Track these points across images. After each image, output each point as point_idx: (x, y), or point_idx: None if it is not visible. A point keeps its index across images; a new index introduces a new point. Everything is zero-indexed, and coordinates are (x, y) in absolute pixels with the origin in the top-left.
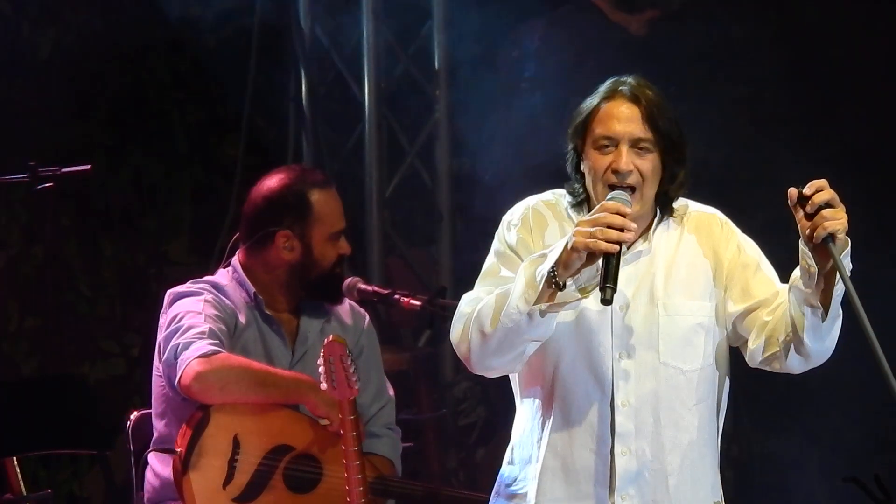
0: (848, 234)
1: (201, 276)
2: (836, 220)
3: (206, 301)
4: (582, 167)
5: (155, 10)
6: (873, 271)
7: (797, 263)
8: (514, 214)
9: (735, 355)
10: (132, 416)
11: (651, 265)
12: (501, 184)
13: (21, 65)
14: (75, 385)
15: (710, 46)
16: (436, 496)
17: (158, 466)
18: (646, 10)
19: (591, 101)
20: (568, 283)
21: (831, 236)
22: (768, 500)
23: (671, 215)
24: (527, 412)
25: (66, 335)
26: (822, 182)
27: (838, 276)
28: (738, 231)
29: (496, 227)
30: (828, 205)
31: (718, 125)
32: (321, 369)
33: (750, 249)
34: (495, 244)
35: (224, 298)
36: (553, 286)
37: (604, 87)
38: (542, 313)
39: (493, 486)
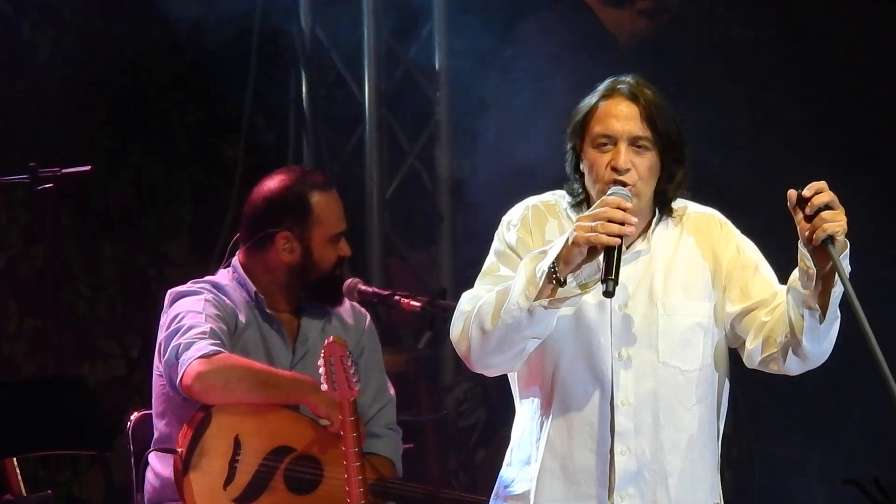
0: (847, 235)
1: (202, 277)
2: (836, 221)
3: (206, 300)
4: (581, 167)
5: (155, 10)
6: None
7: (796, 265)
8: (514, 215)
9: (734, 357)
10: (132, 417)
11: (650, 265)
12: (501, 185)
13: (21, 65)
14: (75, 386)
15: (711, 47)
16: (436, 498)
17: (158, 466)
18: (636, 2)
19: (590, 100)
20: (568, 280)
21: (830, 238)
22: (768, 502)
23: (670, 215)
24: (526, 413)
25: (66, 336)
26: (822, 184)
27: (837, 277)
28: (737, 231)
29: (496, 228)
30: (827, 207)
31: (718, 126)
32: (321, 370)
33: (749, 250)
34: (495, 244)
35: (224, 298)
36: (554, 282)
37: (602, 86)
38: (544, 309)
39: (492, 488)
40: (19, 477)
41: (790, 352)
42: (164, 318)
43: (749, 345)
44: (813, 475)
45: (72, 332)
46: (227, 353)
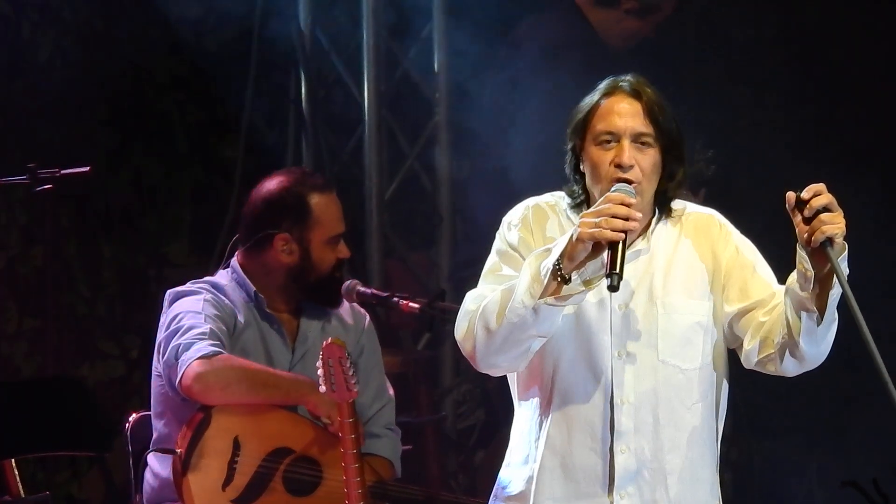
0: (846, 237)
1: (201, 278)
2: (834, 224)
3: (205, 301)
4: (581, 167)
5: (155, 11)
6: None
7: (795, 266)
8: (514, 215)
9: (733, 358)
10: (131, 418)
11: (650, 264)
12: (501, 186)
13: (21, 65)
14: (74, 386)
15: (711, 48)
16: (434, 500)
17: (157, 467)
18: (623, 2)
19: (591, 99)
20: (573, 278)
21: (829, 240)
22: None
23: (669, 215)
24: (525, 413)
25: (66, 336)
26: (820, 186)
27: (835, 280)
28: (735, 231)
29: (495, 229)
30: (826, 209)
31: (718, 126)
32: (320, 371)
33: (747, 250)
34: (497, 244)
35: (223, 298)
36: (558, 279)
37: (603, 85)
38: (549, 307)
39: (491, 489)
40: (17, 478)
41: (787, 353)
42: (164, 318)
43: (747, 345)
44: (812, 477)
45: (71, 333)
46: (226, 354)
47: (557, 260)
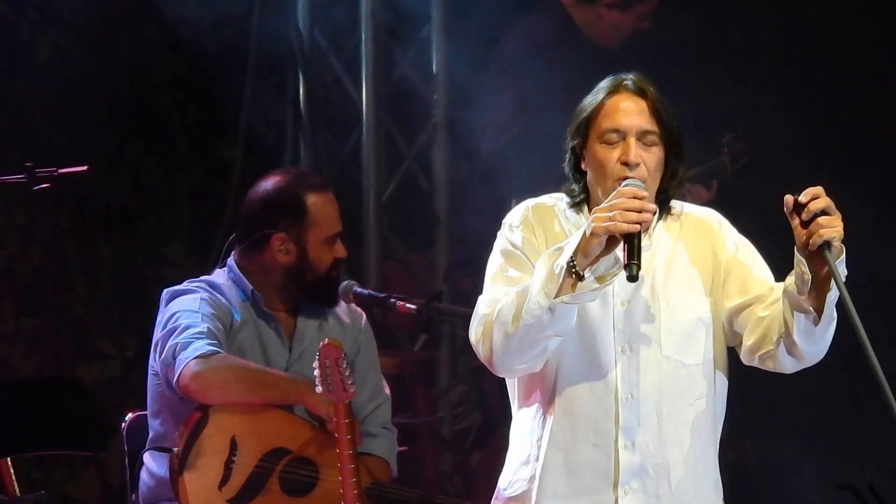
0: (844, 240)
1: (199, 277)
2: (832, 227)
3: (202, 299)
4: (583, 166)
5: (154, 11)
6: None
7: (792, 268)
8: (514, 216)
9: (731, 359)
10: (127, 418)
11: (651, 261)
12: (499, 187)
13: (20, 65)
14: (71, 386)
15: (709, 49)
16: (430, 503)
17: (153, 466)
18: None
19: (595, 98)
20: (586, 275)
21: (827, 243)
22: None
23: (669, 213)
24: (526, 413)
25: (63, 336)
26: (818, 189)
27: (832, 282)
28: (734, 230)
29: (493, 230)
30: (823, 212)
31: (717, 126)
32: (317, 372)
33: (746, 247)
34: (500, 246)
35: (220, 297)
36: (573, 276)
37: (605, 84)
38: (564, 305)
39: (487, 491)
40: (13, 477)
41: (785, 351)
42: (160, 317)
43: (745, 341)
44: (809, 480)
45: (69, 333)
46: (224, 353)
47: (571, 257)
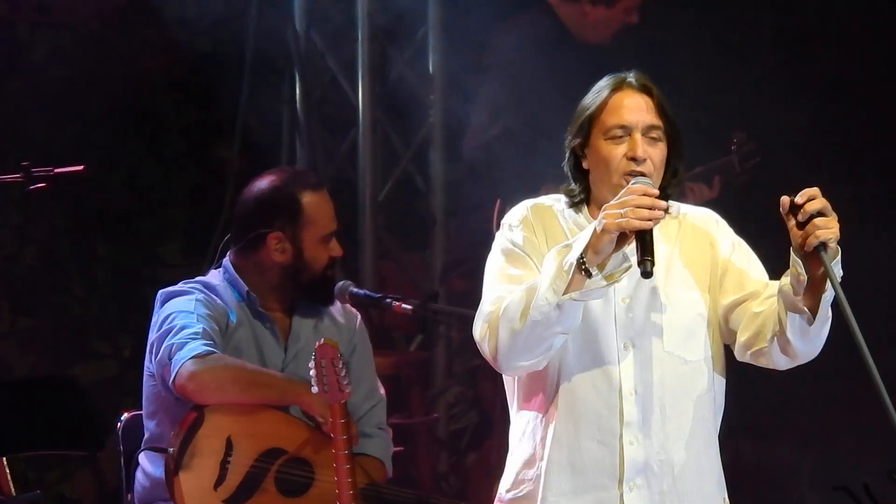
0: (840, 241)
1: (195, 278)
2: (828, 228)
3: (197, 300)
4: (584, 165)
5: (150, 11)
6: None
7: (788, 268)
8: (514, 216)
9: (727, 358)
10: (123, 417)
11: None
12: (494, 188)
13: (16, 65)
14: (67, 386)
15: (706, 49)
16: (426, 503)
17: (149, 467)
18: None
19: (598, 95)
20: (594, 272)
21: (823, 245)
22: None
23: (667, 212)
24: (527, 414)
25: (59, 336)
26: (815, 190)
27: (828, 282)
28: (731, 230)
29: (486, 230)
30: (820, 213)
31: (713, 127)
32: (312, 372)
33: (743, 246)
34: (500, 245)
35: (216, 298)
36: (583, 273)
37: (607, 82)
38: (573, 302)
39: (482, 492)
40: (9, 477)
41: (779, 349)
42: (155, 319)
43: (739, 337)
44: (804, 481)
45: (65, 333)
46: (219, 354)
47: (581, 254)
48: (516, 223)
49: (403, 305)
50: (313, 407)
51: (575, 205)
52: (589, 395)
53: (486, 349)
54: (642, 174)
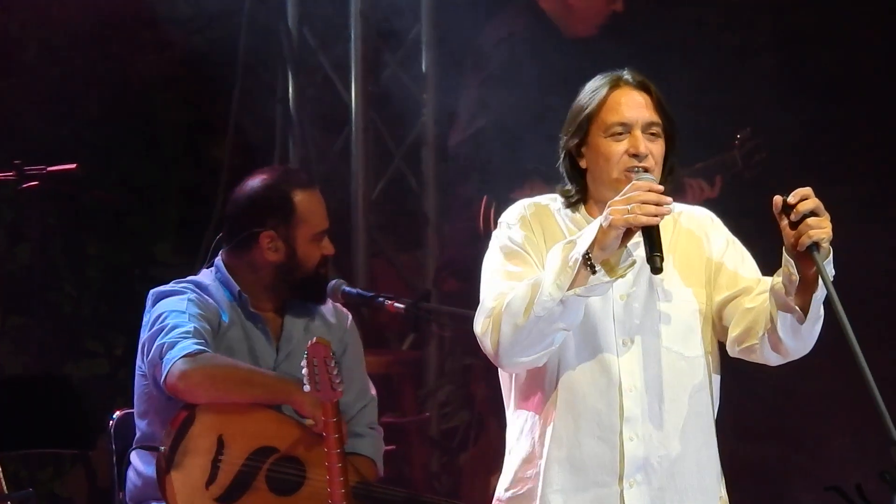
0: (833, 242)
1: (187, 277)
2: (821, 228)
3: (189, 300)
4: (582, 164)
5: (143, 9)
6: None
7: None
8: (511, 214)
9: (722, 357)
10: (115, 416)
11: None
12: (480, 184)
13: (9, 63)
14: (59, 384)
15: (700, 50)
16: (418, 502)
17: (141, 465)
18: None
19: (595, 94)
20: (598, 268)
21: (815, 244)
22: None
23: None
24: (524, 412)
25: (51, 334)
26: (807, 190)
27: (820, 281)
28: (725, 228)
29: (480, 230)
30: (812, 213)
31: (707, 129)
32: (305, 371)
33: (737, 244)
34: (498, 243)
35: (207, 298)
36: (588, 269)
37: (602, 81)
38: (576, 297)
39: (474, 490)
40: (0, 475)
41: (770, 346)
42: (147, 318)
43: (731, 332)
44: (796, 481)
45: (57, 331)
46: (211, 353)
47: (587, 250)
48: (514, 221)
49: (396, 304)
50: (305, 406)
51: (572, 204)
52: (589, 391)
53: (487, 344)
54: (645, 169)
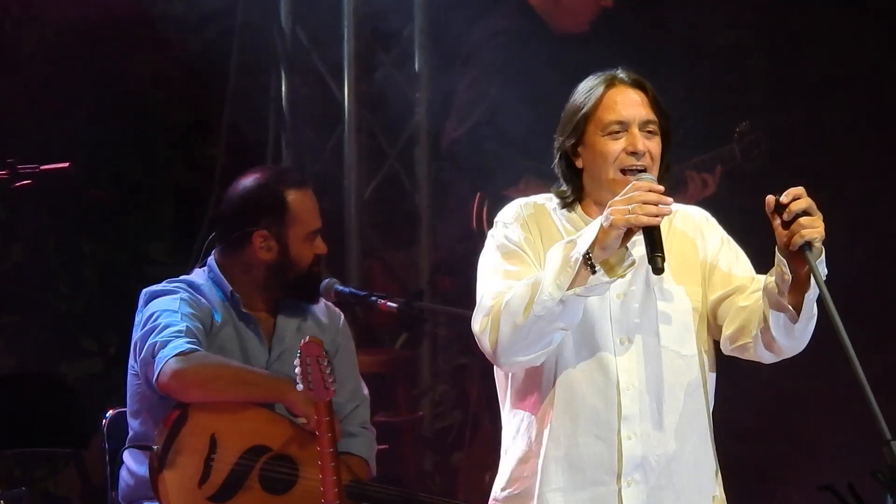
0: (825, 241)
1: (181, 276)
2: (814, 228)
3: (182, 299)
4: (578, 164)
5: (137, 8)
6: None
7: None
8: (508, 214)
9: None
10: (108, 414)
11: (643, 251)
12: (473, 182)
13: (2, 62)
14: (52, 383)
15: (693, 51)
16: (411, 501)
17: (133, 465)
18: None
19: (592, 93)
20: (597, 268)
21: (808, 244)
22: None
23: None
24: (521, 411)
25: (45, 333)
26: (800, 190)
27: (812, 280)
28: (720, 227)
29: (473, 229)
30: (805, 212)
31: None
32: (298, 370)
33: (731, 243)
34: (495, 242)
35: (200, 297)
36: (588, 268)
37: (597, 80)
38: (576, 297)
39: (468, 490)
40: None
41: (763, 344)
42: (139, 317)
43: (725, 330)
44: (788, 481)
45: (50, 330)
46: (203, 352)
47: (588, 249)
48: (510, 220)
49: (389, 303)
50: (297, 405)
51: (568, 204)
52: (587, 390)
53: (485, 343)
54: (642, 169)
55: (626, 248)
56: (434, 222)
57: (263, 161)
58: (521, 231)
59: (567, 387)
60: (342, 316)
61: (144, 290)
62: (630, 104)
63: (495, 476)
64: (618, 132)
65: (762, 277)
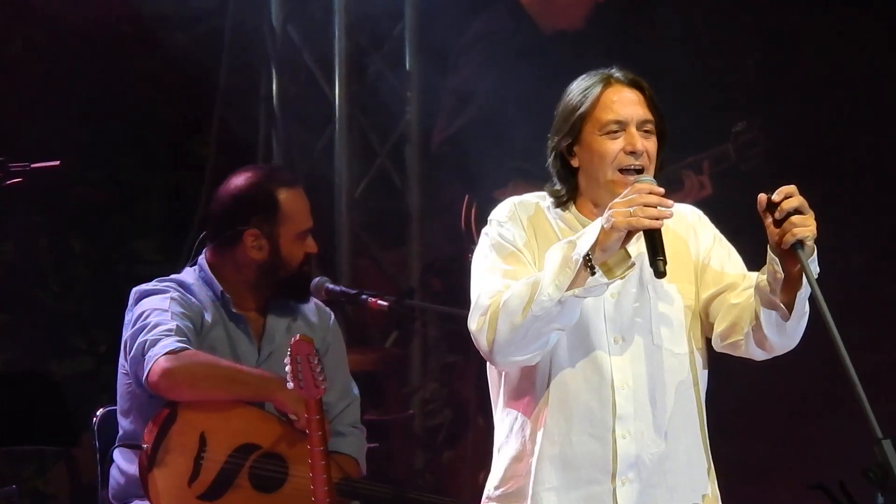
0: (817, 240)
1: (171, 275)
2: (805, 226)
3: (172, 299)
4: (574, 163)
5: (128, 7)
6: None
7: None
8: (501, 212)
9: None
10: (98, 413)
11: (638, 251)
12: (475, 186)
13: None
14: (42, 381)
15: (685, 50)
16: (401, 498)
17: (124, 464)
18: None
19: (588, 93)
20: (596, 270)
21: (800, 242)
22: None
23: None
24: (514, 411)
25: (35, 331)
26: (792, 188)
27: (804, 279)
28: (712, 225)
29: (464, 228)
30: (797, 211)
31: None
32: (288, 368)
33: (723, 241)
34: (490, 240)
35: (190, 296)
36: (588, 270)
37: (593, 80)
38: (574, 298)
39: (458, 488)
40: None
41: (755, 342)
42: (129, 316)
43: (717, 327)
44: (779, 479)
45: (40, 328)
46: (193, 350)
47: (588, 251)
48: (504, 219)
49: (379, 302)
50: (287, 403)
51: (562, 203)
52: (581, 389)
53: (482, 342)
54: (640, 168)
55: (626, 251)
56: (425, 221)
57: (254, 160)
58: (516, 229)
59: (561, 386)
60: (332, 315)
61: (134, 289)
62: (627, 103)
63: (488, 474)
64: (615, 132)
65: (754, 275)
